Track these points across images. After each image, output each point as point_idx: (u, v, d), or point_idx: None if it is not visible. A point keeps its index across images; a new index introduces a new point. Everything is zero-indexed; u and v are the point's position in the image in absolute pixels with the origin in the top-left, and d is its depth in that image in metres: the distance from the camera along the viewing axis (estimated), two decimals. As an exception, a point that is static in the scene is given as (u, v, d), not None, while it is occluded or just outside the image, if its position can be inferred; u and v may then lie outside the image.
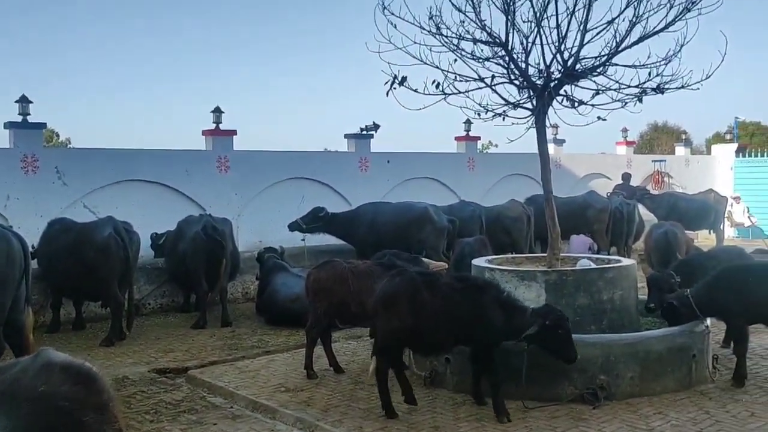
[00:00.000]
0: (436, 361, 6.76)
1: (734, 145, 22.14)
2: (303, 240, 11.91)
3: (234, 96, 55.89)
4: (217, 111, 12.73)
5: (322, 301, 7.17)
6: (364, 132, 14.01)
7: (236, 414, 6.27)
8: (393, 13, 6.65)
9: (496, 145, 21.95)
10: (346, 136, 14.30)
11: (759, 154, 21.16)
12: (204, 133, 12.97)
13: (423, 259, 8.45)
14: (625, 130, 20.38)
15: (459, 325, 5.94)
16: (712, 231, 16.81)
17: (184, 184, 12.17)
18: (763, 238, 17.37)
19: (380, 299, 6.07)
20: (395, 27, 6.61)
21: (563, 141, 18.35)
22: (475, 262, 7.83)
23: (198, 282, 9.84)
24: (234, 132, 12.90)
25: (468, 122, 14.87)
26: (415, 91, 6.69)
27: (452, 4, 6.82)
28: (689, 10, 6.56)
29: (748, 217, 18.94)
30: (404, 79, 6.55)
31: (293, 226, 11.81)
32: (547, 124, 7.57)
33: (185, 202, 12.05)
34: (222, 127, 12.78)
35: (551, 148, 17.61)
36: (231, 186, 12.59)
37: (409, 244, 11.14)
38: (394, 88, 6.54)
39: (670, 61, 6.79)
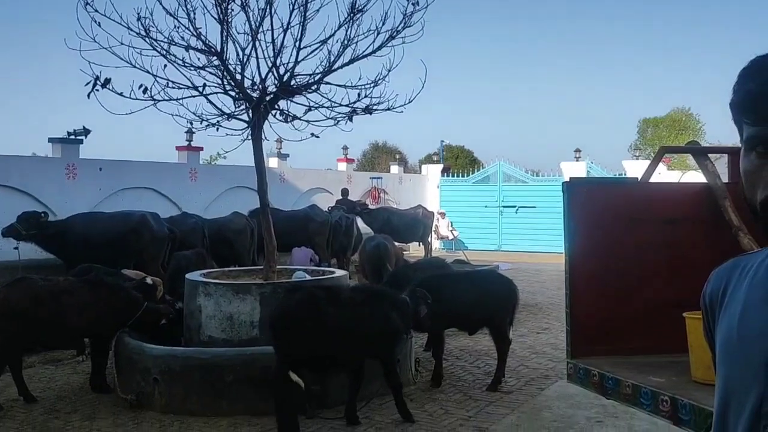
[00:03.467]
0: (143, 382, 6.38)
1: (440, 166, 24.45)
2: (16, 248, 10.38)
3: None
4: None
5: (11, 323, 6.35)
6: (72, 137, 12.84)
7: None
8: (97, 10, 6.17)
9: (225, 157, 21.67)
10: (51, 140, 12.99)
11: (461, 175, 23.60)
12: None
13: (127, 272, 7.91)
14: (345, 148, 21.39)
15: (367, 337, 5.68)
16: (421, 243, 18.28)
17: None
18: (463, 249, 19.30)
19: (279, 318, 5.53)
20: (99, 25, 6.14)
21: (287, 155, 18.66)
22: (190, 276, 7.55)
23: None
24: None
25: (190, 132, 14.39)
26: (121, 94, 6.27)
27: (164, 8, 6.53)
28: (393, 38, 7.01)
29: (452, 231, 20.92)
30: (107, 80, 6.10)
31: (8, 231, 10.23)
32: (267, 138, 7.58)
33: None
34: None
35: (275, 162, 17.95)
36: None
37: (126, 255, 10.39)
38: (97, 90, 6.06)
39: (377, 84, 7.19)
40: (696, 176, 13.95)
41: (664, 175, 19.06)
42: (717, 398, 1.28)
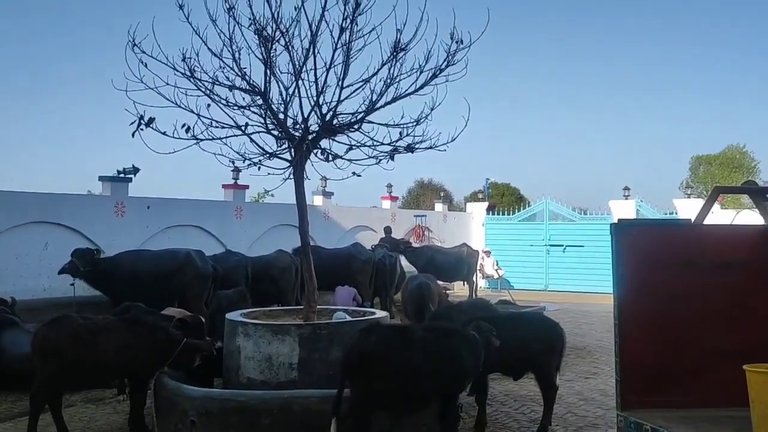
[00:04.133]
0: (180, 424, 6.29)
1: (485, 204, 24.22)
2: (72, 284, 10.49)
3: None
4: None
5: (50, 362, 6.36)
6: (122, 175, 13.10)
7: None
8: (144, 52, 6.28)
9: (272, 195, 21.81)
10: (101, 178, 13.28)
11: (506, 213, 23.32)
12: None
13: (171, 310, 7.90)
14: (389, 186, 21.39)
15: (439, 375, 5.69)
16: (465, 282, 18.01)
17: None
18: (508, 288, 18.96)
19: (356, 357, 5.56)
20: (146, 66, 6.25)
21: (332, 193, 18.73)
22: (230, 315, 7.50)
23: None
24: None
25: (236, 170, 14.56)
26: (164, 134, 6.33)
27: (209, 49, 6.61)
28: (437, 77, 6.95)
29: (497, 270, 20.61)
30: (152, 120, 6.18)
31: (69, 268, 10.30)
32: (312, 176, 7.55)
33: None
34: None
35: (320, 199, 18.03)
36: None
37: (171, 293, 10.45)
38: (141, 129, 6.13)
39: (420, 123, 7.12)
40: (751, 216, 13.47)
41: (717, 214, 18.49)
42: None
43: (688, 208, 19.82)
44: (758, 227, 4.32)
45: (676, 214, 20.01)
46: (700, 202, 20.63)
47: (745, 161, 36.97)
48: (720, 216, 18.06)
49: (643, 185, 61.37)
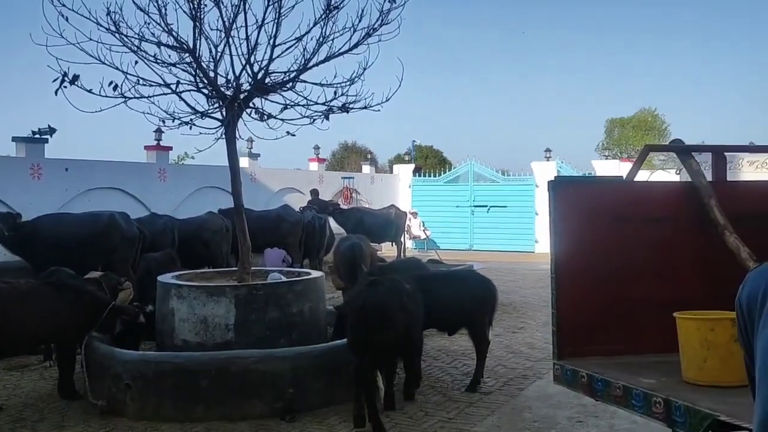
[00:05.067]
0: (114, 388, 6.19)
1: (412, 166, 24.41)
2: None
3: None
4: None
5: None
6: (37, 136, 12.48)
7: None
8: (64, 5, 5.96)
9: (193, 157, 21.30)
10: (15, 139, 12.62)
11: (431, 175, 23.59)
12: None
13: (94, 273, 7.67)
14: (317, 148, 21.24)
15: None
16: (393, 243, 18.21)
17: None
18: (435, 249, 19.28)
19: (371, 310, 5.77)
20: (67, 20, 5.93)
21: (258, 155, 18.46)
22: (162, 278, 7.36)
23: None
24: None
25: (159, 131, 14.13)
26: (90, 91, 6.06)
27: (134, 2, 6.33)
28: (370, 35, 6.90)
29: (424, 231, 20.89)
30: (76, 77, 5.89)
31: None
32: (240, 137, 7.41)
33: None
34: None
35: (246, 161, 17.71)
36: None
37: (96, 257, 10.09)
38: (65, 87, 5.84)
39: (354, 83, 7.06)
40: (663, 176, 14.11)
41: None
42: (759, 414, 1.21)
43: (605, 169, 20.57)
44: (684, 183, 4.54)
45: (595, 174, 20.73)
46: (616, 163, 21.48)
47: (656, 123, 38.50)
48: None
49: (563, 148, 63.12)
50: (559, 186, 4.17)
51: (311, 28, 6.90)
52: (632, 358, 3.90)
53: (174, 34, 6.65)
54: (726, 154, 4.70)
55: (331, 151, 40.60)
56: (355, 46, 7.01)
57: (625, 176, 4.55)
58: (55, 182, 12.71)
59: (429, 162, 32.91)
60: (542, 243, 19.36)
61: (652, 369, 3.70)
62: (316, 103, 7.05)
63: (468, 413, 6.29)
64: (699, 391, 3.27)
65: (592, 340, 4.06)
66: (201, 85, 6.82)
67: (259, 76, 6.89)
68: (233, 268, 8.43)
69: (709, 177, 4.45)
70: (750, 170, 15.31)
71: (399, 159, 30.83)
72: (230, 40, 6.77)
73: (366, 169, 23.65)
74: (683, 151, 4.47)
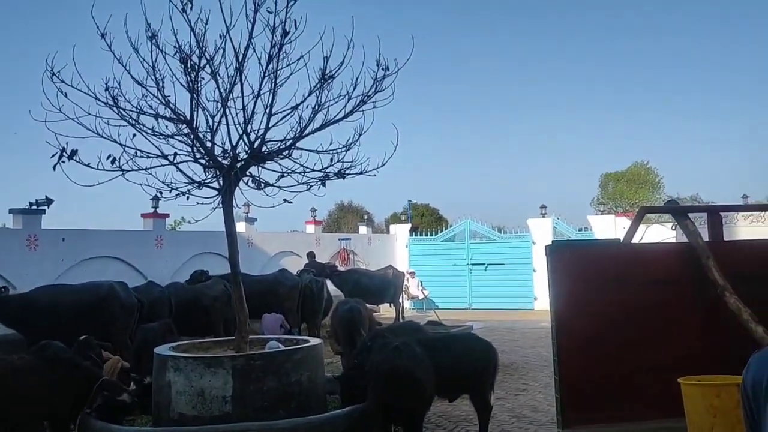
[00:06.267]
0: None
1: (408, 225, 24.49)
2: None
3: None
4: None
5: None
6: (34, 207, 12.52)
7: None
8: (63, 81, 6.06)
9: (189, 222, 21.27)
10: (12, 211, 12.65)
11: (428, 234, 23.63)
12: None
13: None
14: (313, 210, 21.32)
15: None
16: (392, 304, 18.08)
17: None
18: (434, 308, 19.15)
19: (400, 375, 5.88)
20: (66, 95, 6.03)
21: (255, 219, 18.49)
22: (158, 350, 7.25)
23: None
24: None
25: (156, 199, 14.16)
26: (88, 165, 6.11)
27: (132, 77, 6.44)
28: (365, 102, 7.01)
29: (422, 290, 20.79)
30: (74, 152, 5.95)
31: None
32: (238, 205, 7.46)
33: None
34: None
35: (243, 226, 17.74)
36: None
37: (94, 327, 9.98)
38: (63, 162, 5.90)
39: (349, 149, 7.15)
40: (660, 230, 14.22)
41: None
42: None
43: (601, 224, 20.64)
44: (681, 245, 4.55)
45: (591, 230, 20.79)
46: (611, 218, 21.56)
47: (650, 177, 38.80)
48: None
49: (557, 202, 63.39)
50: (556, 250, 4.18)
51: (307, 96, 7.02)
52: (637, 425, 3.83)
53: (171, 106, 6.74)
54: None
55: (328, 211, 40.72)
56: (350, 113, 7.12)
57: (622, 237, 4.56)
58: (52, 252, 12.69)
59: (425, 220, 32.98)
60: (541, 300, 19.26)
61: (660, 437, 3.63)
62: (313, 170, 7.12)
63: (473, 482, 6.14)
64: (708, 461, 3.21)
65: (597, 407, 4.00)
66: (198, 155, 6.89)
67: (256, 144, 6.96)
68: (231, 337, 8.34)
69: (705, 235, 4.47)
70: (745, 224, 15.39)
71: (395, 218, 30.93)
72: (227, 110, 6.86)
73: (363, 229, 23.70)
74: (679, 213, 4.49)
